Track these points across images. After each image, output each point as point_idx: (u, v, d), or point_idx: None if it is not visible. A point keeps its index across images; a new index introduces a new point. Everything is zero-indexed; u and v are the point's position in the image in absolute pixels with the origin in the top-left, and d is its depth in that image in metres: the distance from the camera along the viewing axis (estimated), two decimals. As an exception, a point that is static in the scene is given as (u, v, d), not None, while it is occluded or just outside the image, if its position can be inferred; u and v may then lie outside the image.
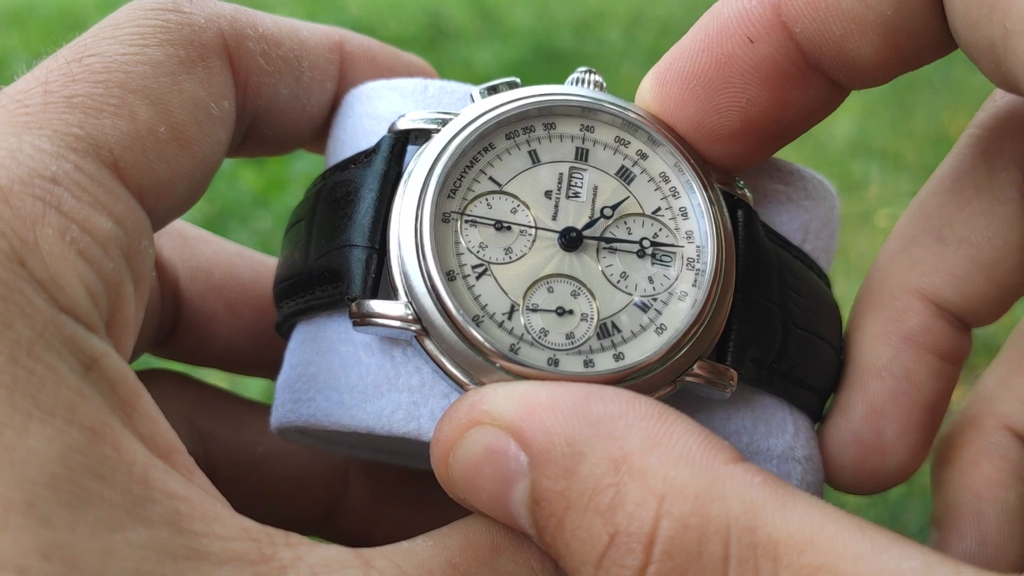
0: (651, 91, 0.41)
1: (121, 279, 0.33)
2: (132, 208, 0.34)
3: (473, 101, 0.42)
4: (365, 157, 0.42)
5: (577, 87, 0.43)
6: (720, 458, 0.32)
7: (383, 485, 0.56)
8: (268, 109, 0.42)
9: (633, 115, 0.42)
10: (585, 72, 0.43)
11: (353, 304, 0.39)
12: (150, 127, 0.35)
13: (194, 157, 0.36)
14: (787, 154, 0.46)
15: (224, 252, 0.52)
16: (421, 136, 0.42)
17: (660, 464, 0.31)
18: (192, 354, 0.54)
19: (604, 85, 0.43)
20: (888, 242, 0.45)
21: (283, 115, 0.43)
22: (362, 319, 0.39)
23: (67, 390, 0.29)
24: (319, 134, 0.46)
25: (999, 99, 0.43)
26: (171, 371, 0.54)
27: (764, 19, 0.38)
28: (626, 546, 0.31)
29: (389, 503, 0.55)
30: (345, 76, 0.44)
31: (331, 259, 0.41)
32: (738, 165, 0.43)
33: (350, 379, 0.41)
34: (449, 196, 0.41)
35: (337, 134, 0.46)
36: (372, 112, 0.45)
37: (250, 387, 1.55)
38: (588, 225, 0.41)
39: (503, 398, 0.35)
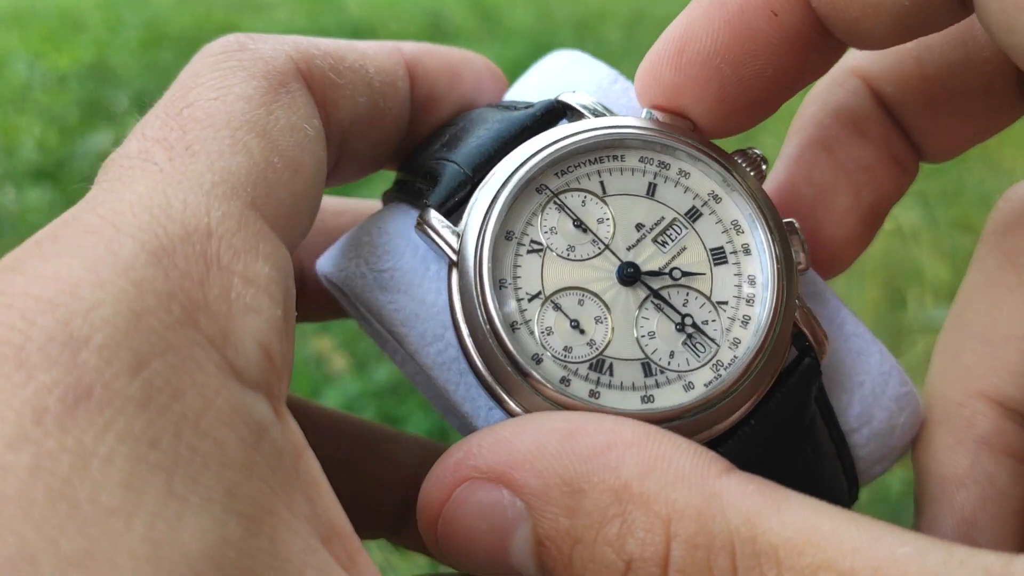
0: (668, 72, 0.41)
1: (284, 324, 0.32)
2: (278, 246, 0.33)
3: (645, 117, 0.43)
4: (525, 107, 0.44)
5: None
6: (712, 471, 0.32)
7: None
8: (352, 121, 0.42)
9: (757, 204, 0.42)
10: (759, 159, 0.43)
11: (423, 209, 0.41)
12: (266, 159, 0.34)
13: (306, 179, 0.36)
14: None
15: (334, 212, 0.52)
16: (575, 115, 0.43)
17: (659, 487, 0.32)
18: (315, 315, 0.54)
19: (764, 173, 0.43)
20: (935, 357, 0.46)
21: (367, 123, 0.43)
22: (420, 224, 0.41)
23: (231, 470, 0.27)
24: (403, 143, 0.46)
25: (1009, 199, 0.44)
26: None
27: None
28: (644, 571, 0.31)
29: None
30: (412, 74, 0.45)
31: (437, 165, 0.43)
32: (744, 126, 0.43)
33: (385, 264, 0.43)
34: (556, 174, 0.41)
35: (526, 75, 0.49)
36: (558, 76, 0.47)
37: (329, 397, 1.55)
38: (652, 273, 0.41)
39: (487, 449, 0.35)
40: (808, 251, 0.43)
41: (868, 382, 0.45)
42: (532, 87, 0.48)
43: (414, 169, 0.45)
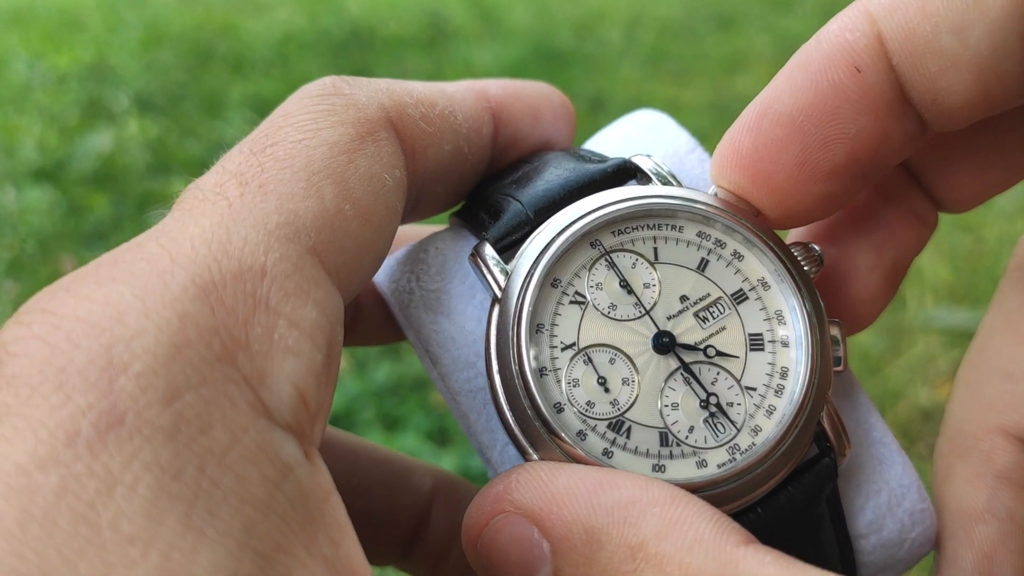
0: (747, 138, 0.41)
1: (323, 369, 0.32)
2: (331, 293, 0.34)
3: (712, 194, 0.43)
4: (599, 160, 0.45)
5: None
6: (731, 541, 0.32)
7: (462, 518, 0.58)
8: (436, 168, 0.42)
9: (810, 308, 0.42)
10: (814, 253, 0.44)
11: (480, 241, 0.42)
12: (337, 206, 0.35)
13: (376, 229, 0.37)
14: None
15: (402, 236, 0.53)
16: (644, 179, 0.44)
17: (675, 550, 0.32)
18: (368, 340, 0.55)
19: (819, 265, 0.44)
20: (955, 391, 0.46)
21: (449, 169, 0.43)
22: (474, 255, 0.42)
23: (250, 507, 0.27)
24: (480, 178, 0.47)
25: None
26: None
27: (870, 48, 0.38)
28: None
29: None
30: (497, 119, 0.46)
31: (503, 201, 0.44)
32: (830, 210, 0.42)
33: (434, 284, 0.44)
34: (612, 233, 0.42)
35: (609, 128, 0.50)
36: (638, 135, 0.48)
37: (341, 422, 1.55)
38: (687, 347, 0.41)
39: (525, 486, 0.36)
40: (846, 350, 0.43)
41: (885, 491, 0.44)
42: (611, 141, 0.49)
43: (482, 198, 0.45)
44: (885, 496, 0.44)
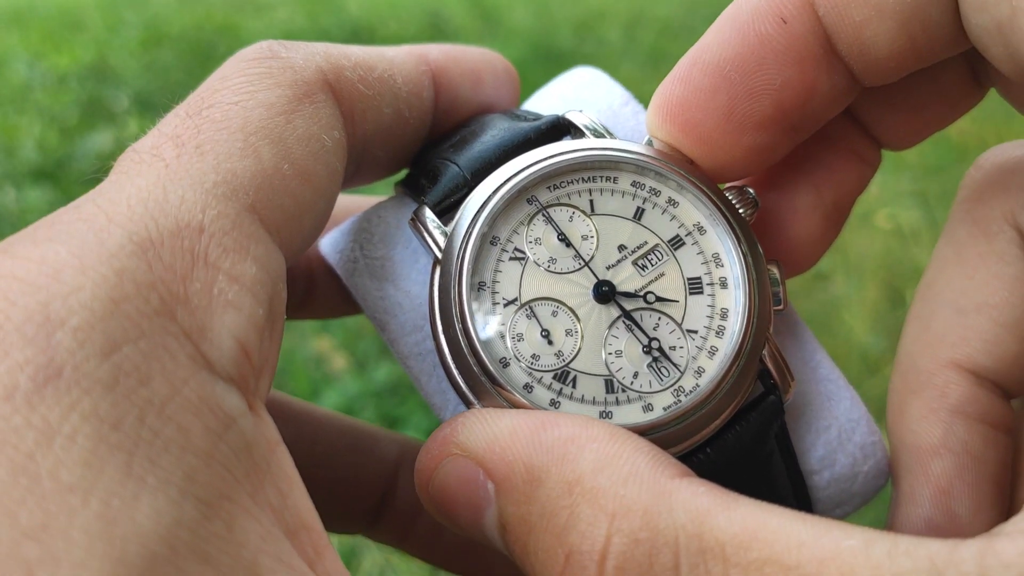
0: (678, 87, 0.41)
1: (266, 323, 0.33)
2: (271, 249, 0.34)
3: (647, 144, 0.43)
4: (534, 119, 0.45)
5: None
6: (667, 473, 0.33)
7: None
8: (375, 131, 0.43)
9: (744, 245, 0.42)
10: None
11: (419, 206, 0.43)
12: (275, 165, 0.35)
13: (316, 189, 0.37)
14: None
15: (339, 213, 0.53)
16: (577, 133, 0.45)
17: (610, 483, 0.33)
18: (326, 312, 0.56)
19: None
20: (907, 326, 0.46)
21: (389, 133, 0.44)
22: (414, 221, 0.43)
23: (192, 456, 0.28)
24: (419, 145, 0.48)
25: (981, 166, 0.44)
26: None
27: (796, 2, 0.39)
28: (580, 564, 0.32)
29: None
30: (437, 83, 0.46)
31: (440, 165, 0.44)
32: (762, 162, 0.43)
33: (378, 252, 0.45)
34: (548, 188, 0.43)
35: (545, 88, 0.50)
36: (573, 92, 0.48)
37: (329, 397, 1.55)
38: (627, 295, 0.42)
39: (469, 429, 0.37)
40: (786, 290, 0.44)
41: (835, 426, 0.45)
42: (547, 101, 0.49)
43: (422, 164, 0.46)
44: (835, 431, 0.45)
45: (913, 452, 0.44)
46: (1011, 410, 0.44)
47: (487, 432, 0.36)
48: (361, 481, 0.55)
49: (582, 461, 0.33)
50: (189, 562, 0.26)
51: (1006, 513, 0.43)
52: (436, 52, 0.46)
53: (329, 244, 0.47)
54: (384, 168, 0.47)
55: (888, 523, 0.44)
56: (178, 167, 0.33)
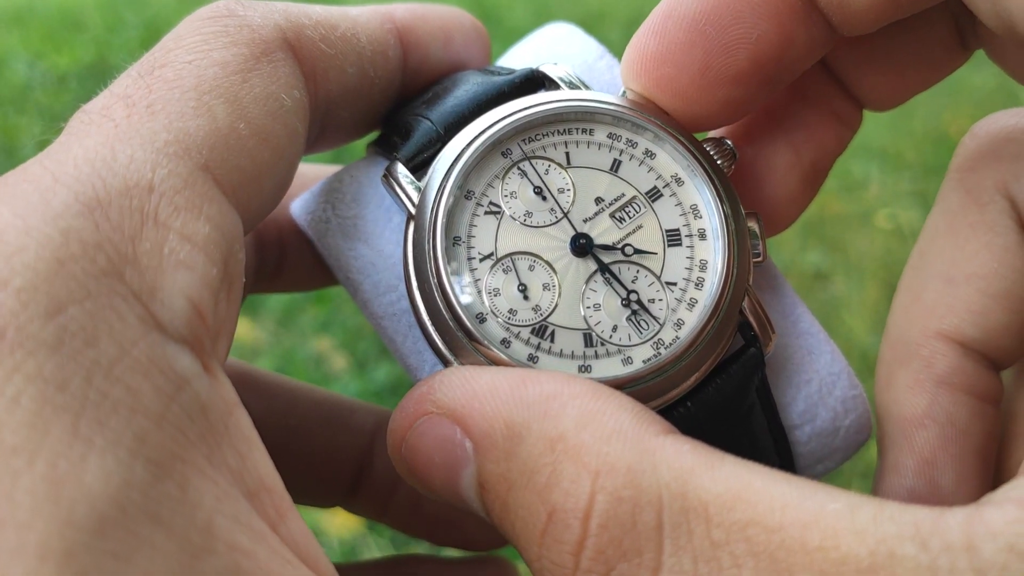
0: (652, 41, 0.41)
1: (221, 284, 0.32)
2: (226, 209, 0.34)
3: (623, 96, 0.43)
4: (507, 74, 0.45)
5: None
6: (651, 431, 0.32)
7: None
8: (339, 91, 0.42)
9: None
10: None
11: (391, 162, 0.43)
12: (230, 125, 0.35)
13: (274, 150, 0.36)
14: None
15: (309, 180, 0.53)
16: (552, 86, 0.44)
17: (593, 440, 0.32)
18: (299, 284, 0.56)
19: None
20: (897, 297, 0.45)
21: (354, 93, 0.43)
22: (386, 176, 0.42)
23: (142, 417, 0.27)
24: (389, 109, 0.47)
25: (976, 135, 0.44)
26: None
27: None
28: (563, 522, 0.31)
29: None
30: (404, 42, 0.45)
31: (412, 121, 0.44)
32: (737, 114, 0.42)
33: (350, 211, 0.44)
34: (523, 141, 0.42)
35: (519, 44, 0.50)
36: (548, 47, 0.48)
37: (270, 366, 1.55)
38: (605, 247, 0.41)
39: (447, 386, 0.36)
40: (765, 243, 0.43)
41: (816, 380, 0.45)
42: (522, 56, 0.49)
43: (394, 122, 0.46)
44: (816, 385, 0.44)
45: (898, 423, 0.43)
46: (999, 382, 0.43)
47: (465, 389, 0.35)
48: (337, 452, 0.55)
49: (564, 417, 0.33)
50: (140, 523, 0.26)
51: (990, 485, 0.42)
52: (402, 11, 0.46)
53: (300, 206, 0.46)
54: (351, 130, 0.46)
55: (872, 493, 0.44)
56: (128, 127, 0.33)
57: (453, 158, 0.41)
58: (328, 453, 0.55)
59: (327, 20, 0.41)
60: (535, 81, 0.44)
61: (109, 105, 0.34)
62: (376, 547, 1.35)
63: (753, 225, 0.43)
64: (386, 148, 0.45)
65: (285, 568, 0.28)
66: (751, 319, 0.42)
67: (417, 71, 0.46)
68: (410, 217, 0.41)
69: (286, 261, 0.53)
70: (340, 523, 1.42)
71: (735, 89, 0.40)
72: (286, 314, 1.90)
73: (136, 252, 0.29)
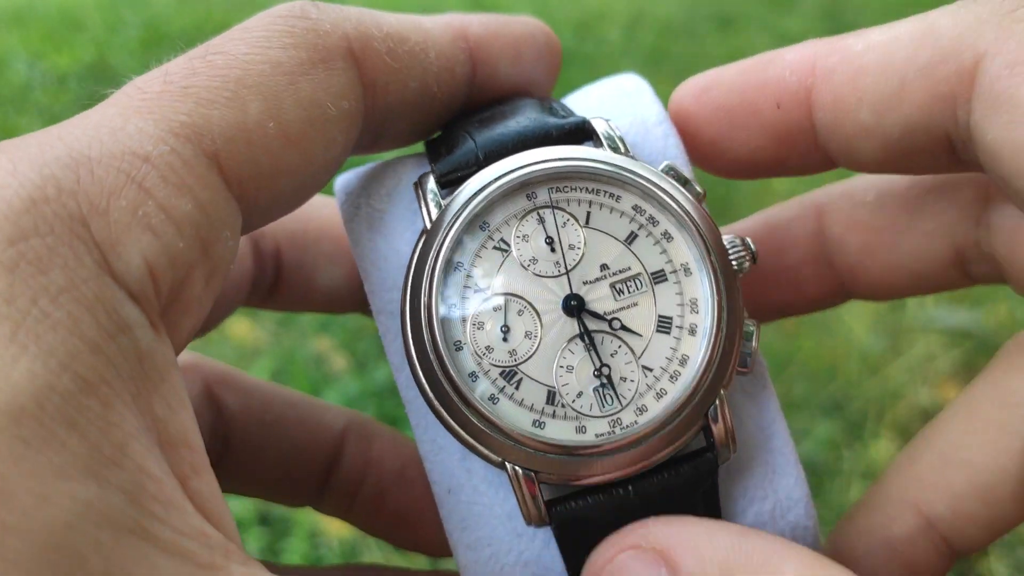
0: (692, 97, 0.46)
1: (191, 261, 0.33)
2: (221, 197, 0.35)
3: (664, 171, 0.44)
4: (563, 116, 0.46)
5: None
6: None
7: (372, 454, 0.59)
8: (399, 104, 0.43)
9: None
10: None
11: (427, 172, 0.44)
12: (259, 121, 0.35)
13: (302, 155, 0.37)
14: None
15: (317, 206, 0.54)
16: (598, 141, 0.44)
17: None
18: (295, 304, 0.57)
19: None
20: (899, 456, 0.48)
21: (414, 107, 0.44)
22: (416, 185, 0.44)
23: (79, 340, 0.29)
24: (453, 116, 0.48)
25: (1018, 342, 0.46)
26: (188, 352, 0.56)
27: (796, 95, 0.43)
28: None
29: (374, 474, 0.58)
30: (475, 58, 0.46)
31: (461, 137, 0.45)
32: (746, 174, 0.47)
33: (381, 204, 0.45)
34: (550, 189, 0.43)
35: (588, 87, 0.51)
36: (612, 99, 0.49)
37: (329, 396, 1.55)
38: (594, 315, 0.42)
39: (660, 526, 0.38)
40: (757, 352, 0.43)
41: (772, 499, 0.44)
42: (584, 99, 0.49)
43: (449, 131, 0.46)
44: (770, 504, 0.44)
45: (835, 547, 0.47)
46: (948, 565, 0.45)
47: (681, 530, 0.37)
48: (309, 450, 0.57)
49: (786, 571, 0.34)
50: (56, 422, 0.27)
51: None
52: (477, 25, 0.46)
53: (342, 184, 0.47)
54: (408, 138, 0.47)
55: None
56: (153, 102, 0.34)
57: (480, 187, 0.42)
58: (301, 450, 0.57)
59: (398, 32, 0.42)
60: (584, 131, 0.45)
61: (149, 79, 0.36)
62: (376, 547, 1.35)
63: (750, 329, 0.43)
64: (432, 155, 0.45)
65: (186, 505, 0.30)
66: (713, 428, 0.41)
67: (484, 86, 0.47)
68: (424, 231, 0.42)
69: (282, 277, 0.54)
70: (340, 524, 1.42)
71: (727, 167, 0.46)
72: (286, 314, 1.90)
73: (109, 206, 0.31)
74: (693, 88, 0.46)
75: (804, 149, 0.44)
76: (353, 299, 0.57)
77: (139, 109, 0.34)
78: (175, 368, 0.32)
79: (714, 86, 0.46)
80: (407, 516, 0.57)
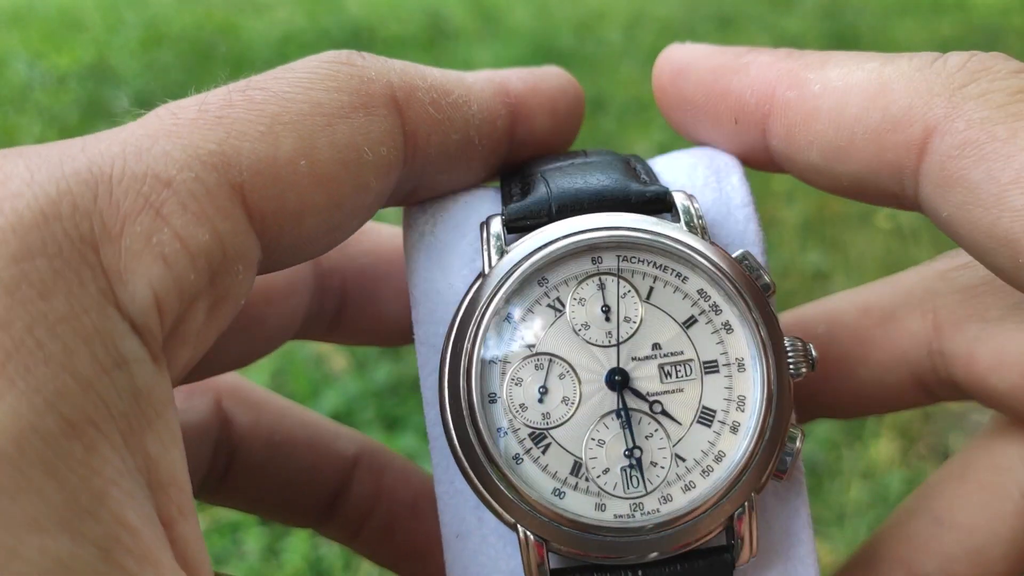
0: (667, 77, 0.47)
1: (198, 292, 0.32)
2: (241, 230, 0.34)
3: (738, 259, 0.43)
4: (645, 181, 0.45)
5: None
6: None
7: (384, 484, 0.58)
8: (439, 154, 0.42)
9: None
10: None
11: (496, 215, 0.43)
12: (290, 159, 0.35)
13: (331, 196, 0.36)
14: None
15: (384, 238, 0.54)
16: (676, 215, 0.43)
17: None
18: (355, 338, 0.56)
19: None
20: (891, 516, 0.48)
21: (454, 160, 0.43)
22: (483, 226, 0.43)
23: (70, 377, 0.28)
24: (492, 172, 0.48)
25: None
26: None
27: (753, 117, 0.43)
28: None
29: (385, 505, 0.57)
30: (515, 113, 0.46)
31: (538, 183, 0.44)
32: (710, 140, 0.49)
33: (445, 235, 0.45)
34: (617, 256, 0.42)
35: (683, 152, 0.49)
36: (702, 173, 0.47)
37: (329, 397, 1.55)
38: (637, 394, 0.41)
39: None
40: (797, 460, 0.42)
41: None
42: (677, 167, 0.48)
43: (527, 171, 0.46)
44: None
45: None
46: None
47: None
48: (317, 475, 0.56)
49: None
50: (34, 468, 0.26)
51: None
52: (516, 81, 0.46)
53: (416, 208, 0.46)
54: (448, 186, 0.47)
55: None
56: (186, 129, 0.33)
57: (547, 241, 0.41)
58: (308, 475, 0.55)
59: (442, 85, 0.42)
60: (664, 203, 0.43)
61: (184, 106, 0.35)
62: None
63: (794, 436, 0.41)
64: (504, 194, 0.45)
65: (166, 557, 0.29)
66: (737, 530, 0.40)
67: (523, 141, 0.47)
68: (481, 275, 0.41)
69: (346, 313, 0.53)
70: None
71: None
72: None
73: (123, 231, 0.30)
74: (670, 65, 0.46)
75: (760, 162, 0.45)
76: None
77: (169, 133, 0.33)
78: (171, 404, 0.32)
79: (688, 73, 0.46)
80: (416, 550, 0.56)
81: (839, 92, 0.40)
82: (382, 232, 0.53)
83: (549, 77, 0.48)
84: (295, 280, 0.49)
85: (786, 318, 0.49)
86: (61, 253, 0.29)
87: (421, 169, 0.42)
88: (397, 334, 0.54)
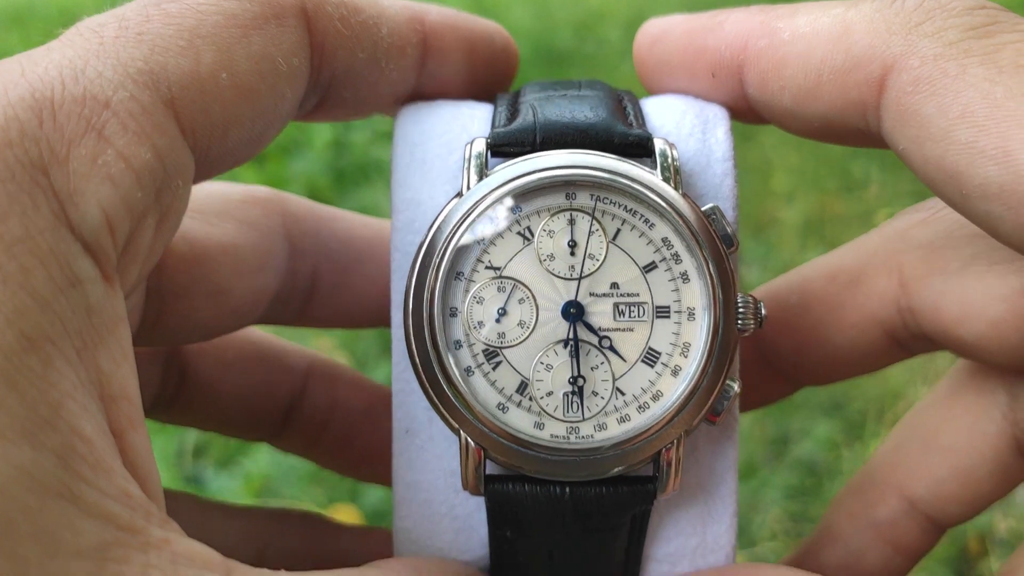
0: (646, 46, 0.48)
1: (145, 210, 0.34)
2: (177, 145, 0.35)
3: (707, 213, 0.44)
4: (631, 123, 0.46)
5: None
6: None
7: (338, 394, 0.60)
8: (345, 72, 0.43)
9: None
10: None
11: (478, 139, 0.44)
12: (212, 71, 0.36)
13: (252, 107, 0.38)
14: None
15: (356, 226, 0.56)
16: (655, 162, 0.44)
17: None
18: (322, 322, 0.58)
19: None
20: (883, 443, 0.50)
21: (360, 78, 0.44)
22: (468, 146, 0.44)
23: (28, 295, 0.29)
24: (399, 99, 0.48)
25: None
26: None
27: (728, 69, 0.44)
28: None
29: (341, 414, 0.59)
30: (428, 45, 0.46)
31: (527, 109, 0.45)
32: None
33: (437, 150, 0.46)
34: (591, 196, 0.43)
35: (680, 97, 0.49)
36: (690, 122, 0.47)
37: None
38: (589, 327, 0.43)
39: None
40: (732, 409, 0.45)
41: (698, 539, 0.46)
42: (668, 109, 0.48)
43: (517, 95, 0.47)
44: (696, 542, 0.45)
45: (823, 531, 0.49)
46: (933, 540, 0.49)
47: None
48: (269, 389, 0.57)
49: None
50: None
51: None
52: (436, 14, 0.47)
53: (411, 114, 0.47)
54: (348, 110, 0.47)
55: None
56: (111, 47, 0.34)
57: (525, 172, 0.42)
58: (261, 388, 0.57)
59: (353, 3, 0.42)
60: (645, 148, 0.44)
61: (104, 23, 0.36)
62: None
63: (731, 385, 0.43)
64: (494, 114, 0.46)
65: (116, 464, 0.30)
66: (663, 464, 0.42)
67: (432, 75, 0.47)
68: (458, 194, 0.43)
69: (316, 297, 0.55)
70: (344, 517, 1.42)
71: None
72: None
73: (70, 154, 0.31)
74: (649, 35, 0.48)
75: (740, 112, 0.46)
76: (383, 316, 0.58)
77: (97, 53, 0.34)
78: (123, 321, 0.33)
79: (665, 38, 0.47)
80: (372, 453, 0.58)
81: (807, 37, 0.41)
82: (354, 220, 0.55)
83: (474, 22, 0.48)
84: (266, 258, 0.50)
85: (759, 292, 0.50)
86: (14, 177, 0.30)
87: (327, 83, 0.43)
88: (365, 319, 0.56)
